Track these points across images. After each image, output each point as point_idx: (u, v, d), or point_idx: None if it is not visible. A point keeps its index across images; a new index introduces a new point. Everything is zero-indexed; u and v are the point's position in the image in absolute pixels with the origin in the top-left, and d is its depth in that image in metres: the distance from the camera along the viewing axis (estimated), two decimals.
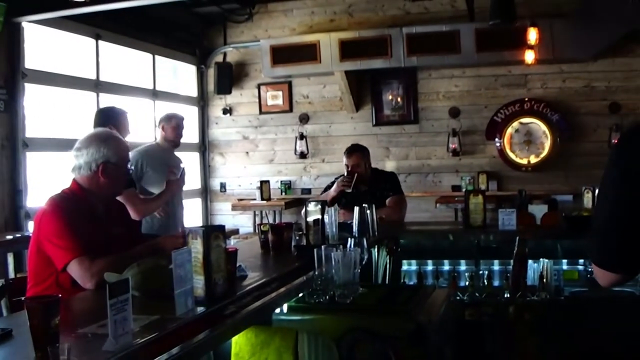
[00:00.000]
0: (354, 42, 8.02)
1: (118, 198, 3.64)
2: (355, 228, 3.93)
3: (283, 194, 8.68)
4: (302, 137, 8.63)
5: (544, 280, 4.40)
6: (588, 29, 7.34)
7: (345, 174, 5.32)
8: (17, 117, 5.89)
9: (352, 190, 5.18)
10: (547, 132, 7.94)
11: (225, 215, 8.88)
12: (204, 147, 9.03)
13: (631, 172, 1.75)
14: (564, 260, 4.76)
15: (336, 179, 5.51)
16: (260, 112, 8.86)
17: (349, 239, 3.08)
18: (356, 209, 4.01)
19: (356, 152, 5.40)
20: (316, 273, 2.81)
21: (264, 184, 8.30)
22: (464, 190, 6.72)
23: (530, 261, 4.53)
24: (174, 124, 5.61)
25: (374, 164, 5.69)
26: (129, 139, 4.74)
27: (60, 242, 2.86)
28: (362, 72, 8.34)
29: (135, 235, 3.34)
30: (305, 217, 3.52)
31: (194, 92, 9.01)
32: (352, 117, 8.57)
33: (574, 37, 7.45)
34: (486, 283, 4.51)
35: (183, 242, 3.02)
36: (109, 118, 4.82)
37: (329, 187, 5.48)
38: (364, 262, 3.08)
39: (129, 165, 3.25)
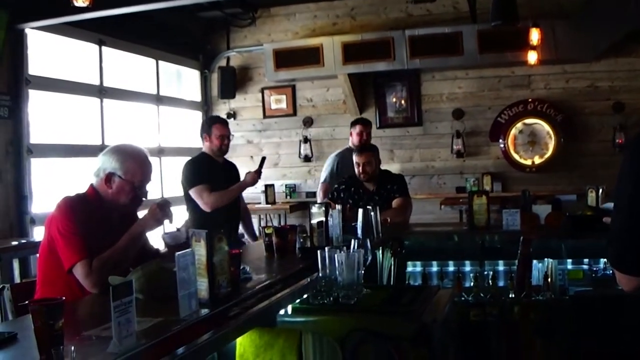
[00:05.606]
0: (356, 45, 8.03)
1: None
2: (359, 230, 3.93)
3: (288, 197, 8.69)
4: (306, 140, 8.64)
5: (549, 280, 4.40)
6: (590, 28, 7.33)
7: (356, 172, 5.34)
8: (22, 123, 5.91)
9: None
10: (551, 132, 7.93)
11: None
12: None
13: None
14: (569, 260, 4.75)
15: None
16: (264, 116, 8.88)
17: (353, 240, 3.08)
18: (360, 210, 4.01)
19: (368, 150, 5.43)
20: (320, 275, 2.81)
21: (268, 188, 8.31)
22: (468, 191, 6.71)
23: (534, 261, 4.54)
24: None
25: None
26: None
27: (68, 243, 2.88)
28: (365, 74, 8.36)
29: (147, 245, 3.34)
30: (310, 219, 3.54)
31: (197, 96, 9.03)
32: None
33: (576, 37, 7.44)
34: (491, 283, 4.51)
35: (161, 212, 3.09)
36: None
37: (336, 189, 5.48)
38: (367, 264, 3.08)
39: (144, 185, 3.21)
